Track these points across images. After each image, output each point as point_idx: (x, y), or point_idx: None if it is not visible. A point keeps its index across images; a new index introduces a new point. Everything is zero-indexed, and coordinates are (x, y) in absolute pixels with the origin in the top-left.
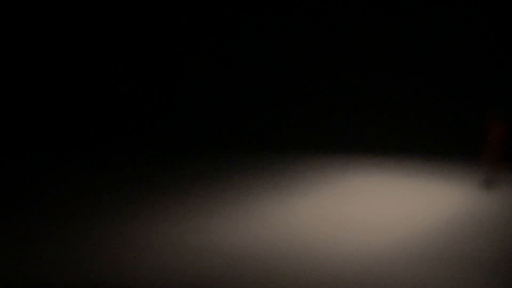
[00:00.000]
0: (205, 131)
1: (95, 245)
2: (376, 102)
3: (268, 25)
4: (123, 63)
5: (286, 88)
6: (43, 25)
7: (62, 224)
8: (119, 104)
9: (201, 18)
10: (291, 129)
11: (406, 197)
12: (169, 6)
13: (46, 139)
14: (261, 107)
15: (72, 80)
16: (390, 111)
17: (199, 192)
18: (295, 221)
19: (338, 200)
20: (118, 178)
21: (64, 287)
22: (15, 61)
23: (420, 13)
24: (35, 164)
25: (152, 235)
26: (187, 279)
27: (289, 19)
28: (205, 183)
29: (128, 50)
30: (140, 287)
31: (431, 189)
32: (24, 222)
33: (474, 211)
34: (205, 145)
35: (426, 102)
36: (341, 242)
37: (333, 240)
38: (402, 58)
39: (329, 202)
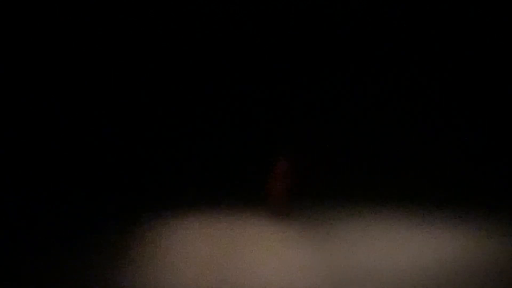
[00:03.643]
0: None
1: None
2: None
3: (275, 78)
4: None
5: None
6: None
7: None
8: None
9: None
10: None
11: (411, 245)
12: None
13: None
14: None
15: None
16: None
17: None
18: (306, 270)
19: (346, 249)
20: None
21: None
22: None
23: None
24: None
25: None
26: None
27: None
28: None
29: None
30: None
31: (436, 237)
32: None
33: (475, 258)
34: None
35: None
36: None
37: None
38: None
39: (338, 250)
